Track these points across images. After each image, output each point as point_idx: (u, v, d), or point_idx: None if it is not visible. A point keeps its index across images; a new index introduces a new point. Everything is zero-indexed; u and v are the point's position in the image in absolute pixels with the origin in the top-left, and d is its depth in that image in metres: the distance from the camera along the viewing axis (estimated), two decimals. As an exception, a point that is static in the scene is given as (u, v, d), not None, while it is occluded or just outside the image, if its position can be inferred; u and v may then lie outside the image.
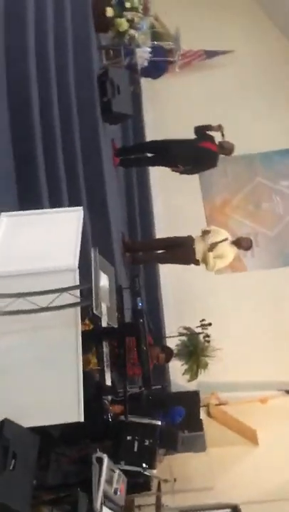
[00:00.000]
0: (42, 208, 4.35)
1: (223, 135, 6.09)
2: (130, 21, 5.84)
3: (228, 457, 6.83)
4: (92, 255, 3.03)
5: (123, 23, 5.74)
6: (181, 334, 6.58)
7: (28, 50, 4.48)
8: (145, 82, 8.78)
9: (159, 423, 3.84)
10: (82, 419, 3.01)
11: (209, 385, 7.18)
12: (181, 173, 6.22)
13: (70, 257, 3.39)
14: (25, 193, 4.31)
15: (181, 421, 4.08)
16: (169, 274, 7.57)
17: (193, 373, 6.55)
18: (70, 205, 4.79)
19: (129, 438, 3.84)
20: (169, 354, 4.85)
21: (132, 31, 5.90)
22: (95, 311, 2.84)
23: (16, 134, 4.29)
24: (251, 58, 9.73)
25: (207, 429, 6.24)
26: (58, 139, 4.76)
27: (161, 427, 3.88)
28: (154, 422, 3.85)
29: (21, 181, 4.31)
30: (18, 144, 4.28)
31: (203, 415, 6.41)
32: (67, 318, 3.21)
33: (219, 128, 6.04)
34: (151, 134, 8.63)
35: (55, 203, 4.56)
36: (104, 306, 3.03)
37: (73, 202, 4.82)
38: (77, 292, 3.18)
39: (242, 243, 5.90)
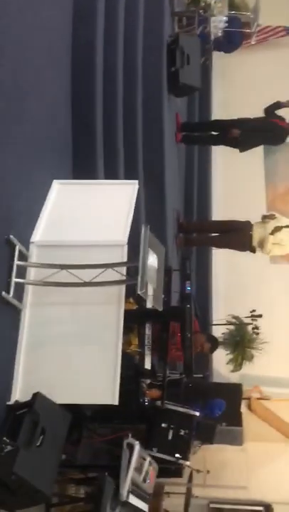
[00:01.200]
0: (96, 178, 4.20)
1: None
2: (208, -13, 5.49)
3: (265, 454, 6.61)
4: (142, 232, 2.84)
5: (200, -12, 5.40)
6: (229, 323, 6.33)
7: (96, 11, 4.26)
8: (217, 57, 8.37)
9: (197, 414, 3.66)
10: (116, 403, 2.89)
11: (252, 377, 6.95)
12: (243, 148, 5.86)
13: (120, 232, 3.23)
14: (81, 161, 4.15)
15: (220, 414, 3.88)
16: (222, 259, 7.30)
17: (237, 364, 6.33)
18: (126, 178, 4.62)
19: (164, 425, 3.69)
20: (214, 344, 4.63)
21: (208, -2, 5.55)
22: (139, 292, 2.65)
23: (78, 99, 4.12)
24: None
25: (246, 423, 6.02)
26: (119, 106, 4.55)
27: (199, 419, 3.69)
28: (191, 412, 3.67)
29: (78, 149, 4.14)
30: (78, 108, 4.11)
31: (243, 408, 6.18)
32: (110, 296, 3.07)
33: None
34: (218, 112, 8.29)
35: (111, 173, 4.38)
36: (150, 287, 2.83)
37: (129, 174, 4.63)
38: (124, 269, 3.02)
39: (303, 234, 5.51)
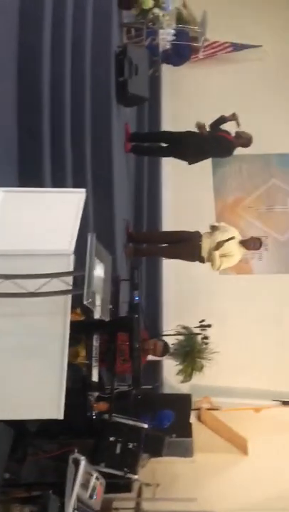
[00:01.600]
0: (43, 186, 4.14)
1: (238, 124, 5.86)
2: (155, 0, 5.56)
3: (215, 465, 6.64)
4: (89, 241, 2.80)
5: (148, 1, 5.46)
6: (178, 333, 6.36)
7: (43, 19, 4.24)
8: (166, 69, 8.51)
9: (146, 426, 3.63)
10: (61, 417, 2.80)
11: (202, 388, 6.99)
12: (191, 160, 5.96)
13: (66, 241, 3.16)
14: (27, 168, 4.08)
15: (169, 425, 3.86)
16: (172, 269, 7.34)
17: (187, 375, 6.35)
18: (74, 186, 4.57)
19: (112, 439, 3.63)
20: (166, 346, 4.60)
21: (156, 10, 5.62)
22: (85, 302, 2.61)
23: (24, 105, 4.06)
24: (279, 56, 9.44)
25: (196, 434, 6.04)
26: (67, 114, 4.52)
27: (147, 431, 3.66)
28: (139, 424, 3.63)
29: (24, 156, 4.07)
30: (24, 115, 4.05)
31: (193, 419, 6.20)
32: (56, 306, 3.00)
33: (233, 117, 5.81)
34: (167, 123, 8.39)
35: (58, 182, 4.34)
36: (97, 298, 2.79)
37: (78, 183, 4.59)
38: (70, 279, 2.96)
39: (250, 243, 5.66)
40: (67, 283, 2.91)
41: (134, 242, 5.87)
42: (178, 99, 9.08)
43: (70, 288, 2.92)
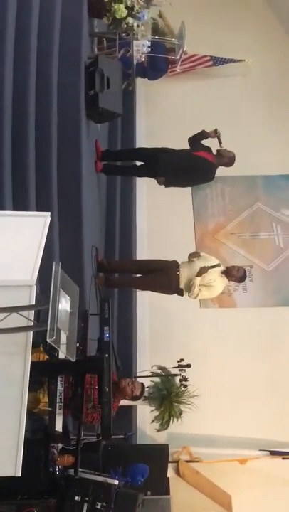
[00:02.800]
0: (3, 207, 4.11)
1: (220, 142, 5.95)
2: (130, 8, 5.69)
3: (196, 526, 6.48)
4: (54, 270, 2.77)
5: (121, 9, 5.58)
6: (154, 374, 6.28)
7: (5, 27, 4.28)
8: (141, 83, 8.66)
9: (116, 482, 3.53)
10: (19, 474, 2.71)
11: (181, 437, 6.87)
12: (168, 184, 6.02)
13: (28, 270, 3.13)
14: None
15: (143, 482, 3.77)
16: (146, 302, 7.30)
17: (164, 422, 6.24)
18: (37, 210, 4.55)
19: (77, 498, 3.51)
20: (142, 386, 4.54)
21: (130, 20, 5.75)
22: (49, 340, 2.56)
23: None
24: (262, 72, 9.71)
25: (174, 490, 5.91)
26: (30, 131, 4.53)
27: (118, 488, 3.56)
28: (109, 480, 3.53)
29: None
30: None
31: (171, 473, 6.07)
32: (15, 345, 2.94)
33: (215, 133, 5.91)
34: (141, 140, 8.48)
35: (20, 204, 4.31)
36: (62, 335, 2.75)
37: (42, 205, 4.58)
38: (32, 313, 2.91)
39: (234, 273, 5.68)
40: (28, 318, 2.87)
41: (105, 271, 5.84)
42: (153, 115, 9.20)
43: (32, 324, 2.87)
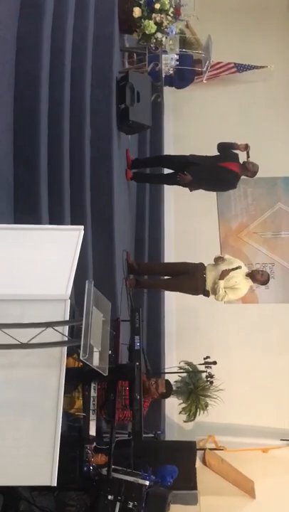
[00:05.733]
0: (40, 218, 4.00)
1: (248, 156, 5.72)
2: (158, 24, 5.49)
3: (221, 509, 6.36)
4: (86, 289, 2.63)
5: (151, 25, 5.39)
6: (181, 370, 6.14)
7: (42, 43, 4.14)
8: (168, 91, 8.46)
9: (147, 483, 3.40)
10: (54, 484, 2.60)
11: (207, 425, 6.75)
12: (193, 187, 5.83)
13: (63, 285, 3.00)
14: (23, 202, 3.94)
15: (172, 482, 3.65)
16: (175, 301, 7.14)
17: (191, 414, 6.11)
18: (72, 218, 4.44)
19: (110, 497, 3.40)
20: (168, 385, 4.38)
21: (159, 35, 5.54)
22: (82, 358, 2.42)
23: (19, 135, 3.94)
24: (283, 77, 9.41)
25: (200, 476, 5.78)
26: (65, 144, 4.39)
27: (149, 488, 3.44)
28: (140, 481, 3.41)
29: (20, 189, 3.93)
30: (20, 146, 3.94)
31: (197, 462, 5.94)
32: (51, 358, 2.82)
33: (246, 148, 5.68)
34: (170, 147, 8.32)
35: (56, 214, 4.19)
36: (95, 352, 2.61)
37: (76, 215, 4.45)
38: (66, 328, 2.79)
39: (257, 277, 5.48)
40: (62, 333, 2.74)
41: (135, 273, 5.70)
42: (181, 122, 9.03)
43: (66, 339, 2.75)
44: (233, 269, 5.31)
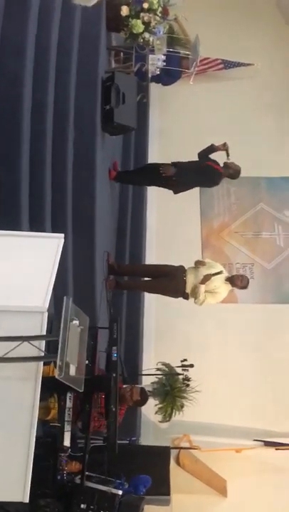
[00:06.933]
0: (20, 220, 3.94)
1: (228, 155, 5.73)
2: (146, 24, 5.40)
3: (193, 507, 6.45)
4: (64, 305, 2.60)
5: (138, 25, 5.30)
6: (158, 371, 6.16)
7: (26, 42, 4.05)
8: (155, 87, 8.37)
9: (120, 493, 3.42)
10: (26, 500, 2.59)
11: (182, 424, 6.78)
12: (177, 189, 5.81)
13: (40, 296, 2.95)
14: (2, 203, 3.87)
15: (145, 492, 3.66)
16: (154, 301, 7.13)
17: (166, 414, 6.15)
18: (52, 221, 4.38)
19: (83, 506, 3.41)
20: (144, 393, 4.35)
21: (146, 35, 5.46)
22: (58, 377, 2.40)
23: (0, 135, 3.85)
24: (269, 75, 9.39)
25: (173, 474, 5.83)
26: (47, 144, 4.32)
27: (122, 497, 3.45)
28: (113, 490, 3.42)
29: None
30: (1, 145, 3.84)
31: (171, 462, 5.98)
32: (25, 371, 2.79)
33: (224, 146, 5.69)
34: (155, 142, 8.24)
35: (36, 217, 4.13)
36: (71, 368, 2.59)
37: (57, 218, 4.41)
38: (43, 343, 2.76)
39: (237, 282, 5.50)
40: (39, 348, 2.72)
41: (115, 274, 5.68)
42: (166, 119, 8.95)
43: (42, 354, 2.72)
44: (215, 274, 5.33)
